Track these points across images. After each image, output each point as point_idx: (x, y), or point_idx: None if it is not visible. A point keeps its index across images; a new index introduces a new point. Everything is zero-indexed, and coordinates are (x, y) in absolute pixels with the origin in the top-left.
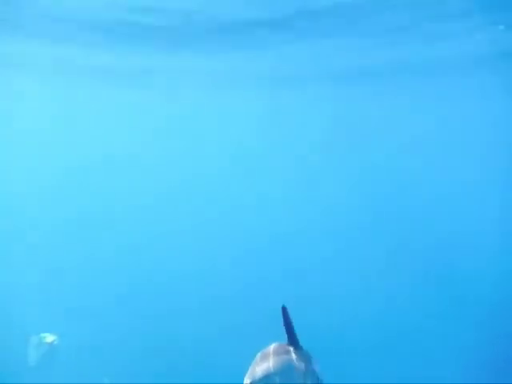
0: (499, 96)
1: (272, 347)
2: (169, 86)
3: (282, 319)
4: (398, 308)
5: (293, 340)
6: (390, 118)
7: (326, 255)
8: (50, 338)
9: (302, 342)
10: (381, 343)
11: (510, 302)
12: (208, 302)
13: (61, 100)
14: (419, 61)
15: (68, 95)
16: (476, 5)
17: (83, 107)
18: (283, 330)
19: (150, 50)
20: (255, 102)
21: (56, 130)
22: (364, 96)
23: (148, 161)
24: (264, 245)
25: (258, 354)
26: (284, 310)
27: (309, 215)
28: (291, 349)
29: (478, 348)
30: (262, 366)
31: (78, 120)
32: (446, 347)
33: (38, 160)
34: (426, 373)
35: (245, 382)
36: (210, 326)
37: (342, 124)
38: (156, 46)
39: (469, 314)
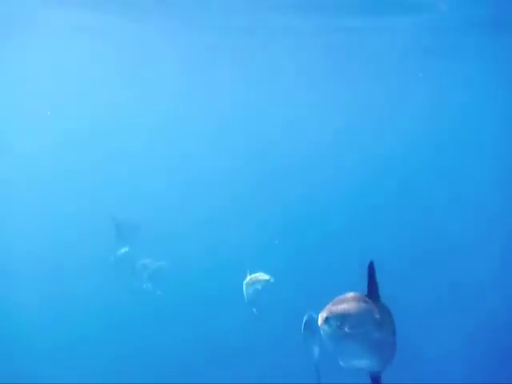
0: None
1: (352, 294)
2: None
3: (367, 272)
4: None
5: (373, 293)
6: None
7: None
8: (263, 276)
9: None
10: None
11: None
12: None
13: None
14: None
15: None
16: None
17: None
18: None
19: None
20: None
21: None
22: None
23: None
24: None
25: (338, 297)
26: (371, 264)
27: None
28: (371, 300)
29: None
30: (342, 306)
31: None
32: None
33: None
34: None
35: (322, 315)
36: None
37: None
38: None
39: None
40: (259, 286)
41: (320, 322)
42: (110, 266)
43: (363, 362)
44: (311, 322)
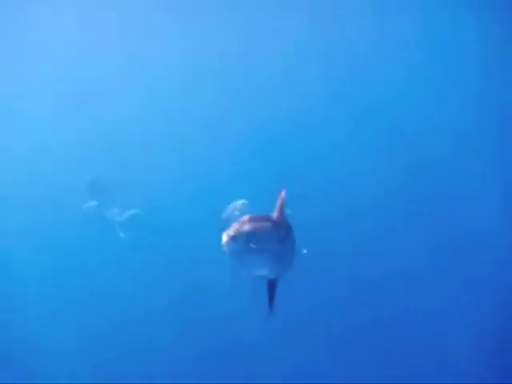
0: None
1: (259, 214)
2: None
3: (279, 194)
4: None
5: (280, 212)
6: None
7: None
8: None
9: None
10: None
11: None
12: None
13: None
14: None
15: None
16: None
17: None
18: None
19: None
20: None
21: None
22: None
23: None
24: None
25: (245, 217)
26: (284, 189)
27: None
28: (276, 218)
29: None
30: (248, 225)
31: None
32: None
33: None
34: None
35: (228, 233)
36: None
37: None
38: None
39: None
40: (236, 214)
41: (226, 239)
42: (81, 219)
43: (265, 272)
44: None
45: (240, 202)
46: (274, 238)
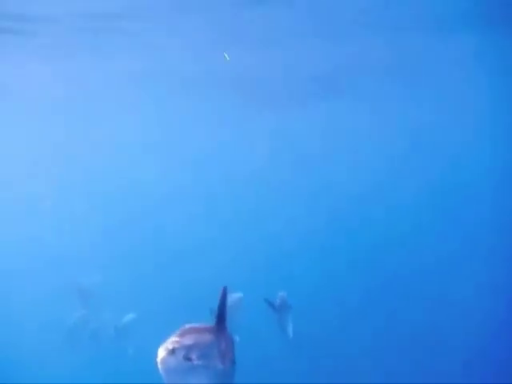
0: None
1: (199, 324)
2: None
3: (220, 298)
4: None
5: (221, 322)
6: None
7: None
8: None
9: None
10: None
11: None
12: None
13: None
14: None
15: None
16: None
17: None
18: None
19: None
20: None
21: None
22: None
23: None
24: None
25: (184, 327)
26: (224, 290)
27: None
28: (217, 329)
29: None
30: (189, 337)
31: None
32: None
33: None
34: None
35: (167, 346)
36: None
37: None
38: None
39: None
40: (234, 308)
41: (164, 353)
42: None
43: None
44: (284, 302)
45: (237, 296)
46: (216, 352)
